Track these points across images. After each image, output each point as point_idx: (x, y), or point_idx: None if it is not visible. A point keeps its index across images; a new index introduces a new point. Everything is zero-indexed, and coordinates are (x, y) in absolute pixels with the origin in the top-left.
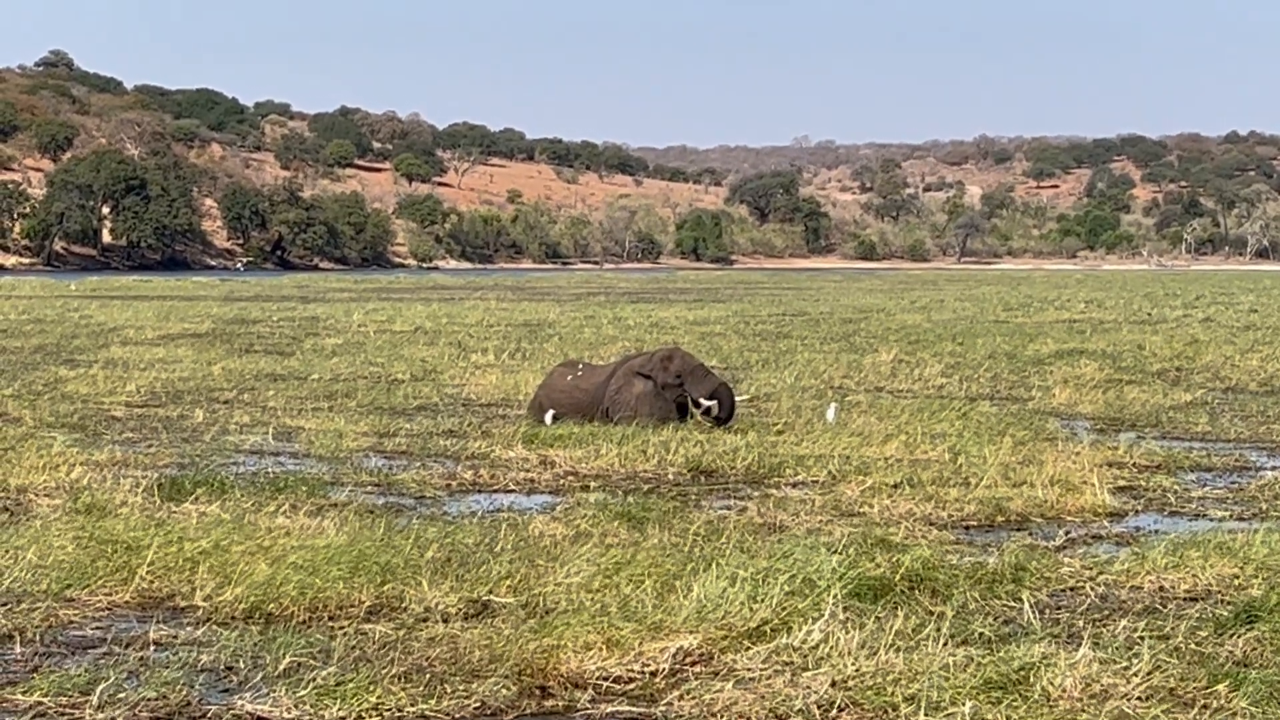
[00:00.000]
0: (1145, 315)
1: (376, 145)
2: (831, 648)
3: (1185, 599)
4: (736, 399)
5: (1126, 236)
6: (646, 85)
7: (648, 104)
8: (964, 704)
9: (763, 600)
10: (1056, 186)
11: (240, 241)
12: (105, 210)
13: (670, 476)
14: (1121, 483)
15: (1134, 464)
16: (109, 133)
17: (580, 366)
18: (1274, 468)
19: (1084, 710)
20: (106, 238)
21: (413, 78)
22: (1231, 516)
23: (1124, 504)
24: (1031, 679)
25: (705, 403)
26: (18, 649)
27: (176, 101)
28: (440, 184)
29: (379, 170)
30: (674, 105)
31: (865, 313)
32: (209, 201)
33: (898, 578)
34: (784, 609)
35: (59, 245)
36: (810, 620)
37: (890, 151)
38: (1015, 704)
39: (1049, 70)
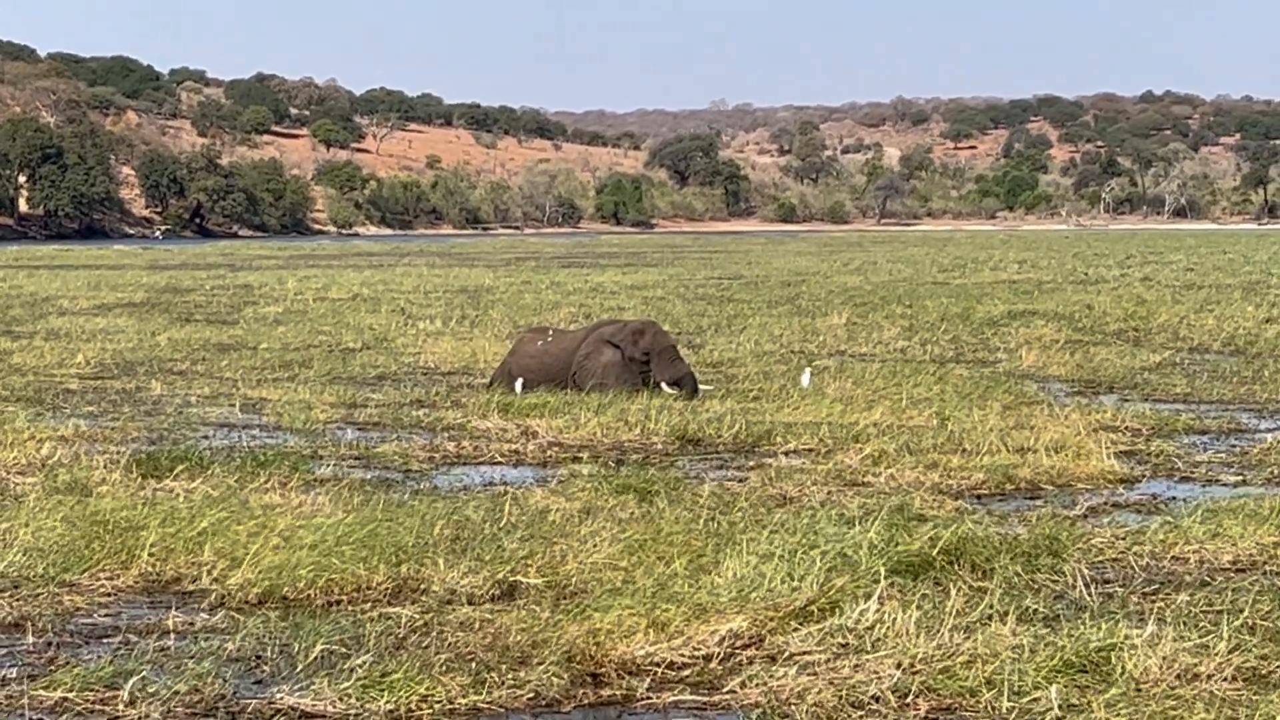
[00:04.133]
0: (1082, 275)
1: (294, 112)
2: (887, 629)
3: (1231, 570)
4: (701, 388)
5: (1045, 197)
6: (563, 49)
7: (564, 68)
8: (1049, 688)
9: (804, 579)
10: (974, 147)
11: (158, 209)
12: (21, 179)
13: (658, 446)
14: (1122, 447)
15: (1127, 428)
16: (24, 101)
17: (550, 332)
18: (1271, 430)
19: (1174, 694)
20: (23, 207)
21: (329, 43)
22: (1245, 481)
23: (1132, 470)
24: (1113, 660)
25: (666, 388)
26: (29, 639)
27: (91, 69)
28: (359, 150)
29: (297, 137)
30: (591, 69)
31: (801, 275)
32: (126, 170)
33: (936, 552)
34: (829, 588)
35: None
36: (858, 599)
37: (808, 114)
38: (1100, 688)
39: (965, 31)
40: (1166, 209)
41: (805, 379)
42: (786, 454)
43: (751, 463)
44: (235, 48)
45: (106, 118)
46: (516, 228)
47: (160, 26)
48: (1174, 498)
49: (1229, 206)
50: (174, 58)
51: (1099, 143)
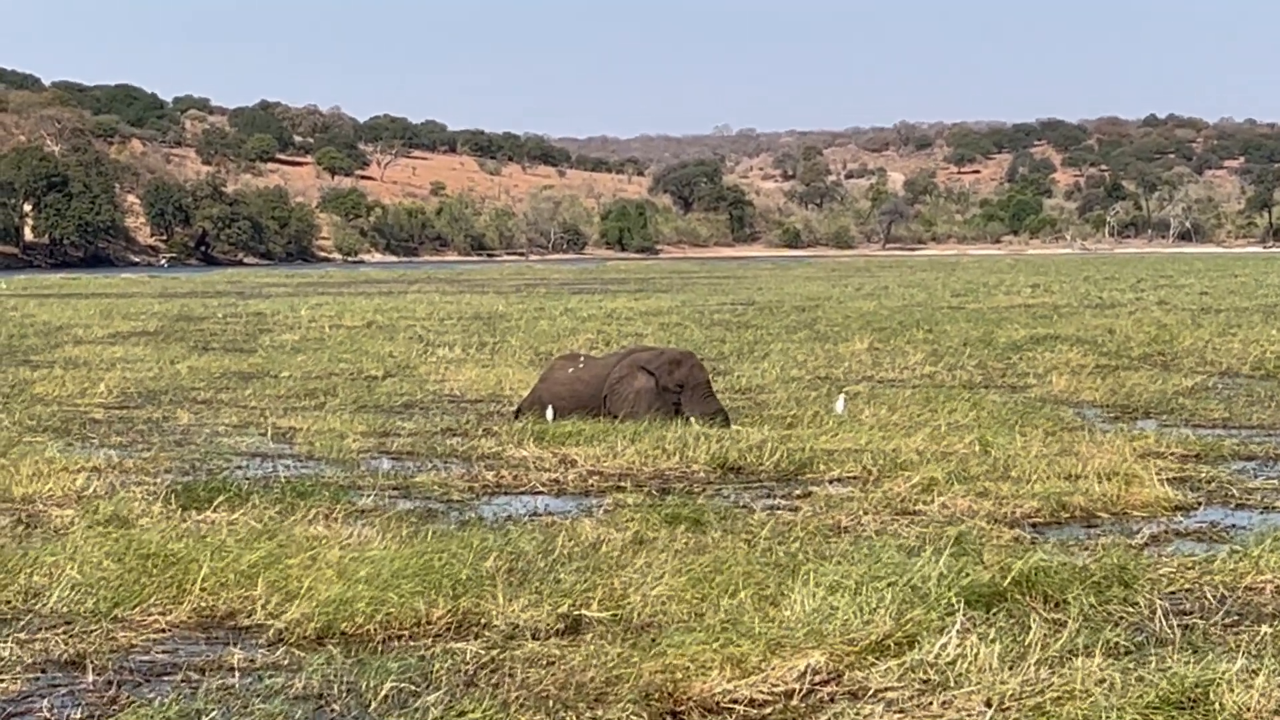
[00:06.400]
0: (1097, 299)
1: (298, 139)
2: (970, 663)
3: None
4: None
5: (1049, 221)
6: (566, 75)
7: (568, 94)
8: None
9: (877, 611)
10: (978, 172)
11: (164, 238)
12: (27, 208)
13: (699, 474)
14: (1172, 474)
15: (1173, 454)
16: (29, 130)
17: (581, 359)
18: None
19: None
20: (29, 235)
21: (333, 71)
22: None
23: (1186, 497)
24: (1210, 696)
25: (695, 425)
26: (89, 677)
27: (95, 97)
28: (363, 177)
29: (301, 164)
30: (594, 95)
31: (815, 300)
32: (131, 198)
33: (1007, 583)
34: (904, 621)
35: None
36: (936, 632)
37: (811, 139)
38: None
39: (968, 55)
40: (1171, 232)
41: (840, 405)
42: (832, 482)
43: (797, 491)
44: (239, 75)
45: (111, 146)
46: (522, 254)
47: (164, 55)
48: (1234, 525)
49: (1234, 230)
50: (178, 86)
51: (1103, 166)
